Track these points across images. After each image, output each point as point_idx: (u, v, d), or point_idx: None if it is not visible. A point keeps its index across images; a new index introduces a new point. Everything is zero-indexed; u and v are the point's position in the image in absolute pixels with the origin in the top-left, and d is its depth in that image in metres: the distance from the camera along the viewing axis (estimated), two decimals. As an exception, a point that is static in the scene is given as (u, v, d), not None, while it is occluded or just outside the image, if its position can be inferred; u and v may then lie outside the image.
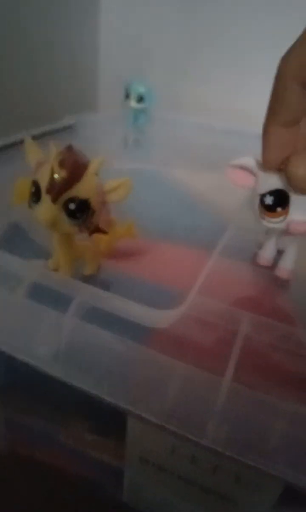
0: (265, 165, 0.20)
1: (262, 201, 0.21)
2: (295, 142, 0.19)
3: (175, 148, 0.46)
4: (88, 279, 0.24)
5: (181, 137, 0.49)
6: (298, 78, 0.17)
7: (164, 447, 0.26)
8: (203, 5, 0.55)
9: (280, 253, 0.24)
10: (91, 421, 0.31)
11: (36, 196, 0.19)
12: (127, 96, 0.53)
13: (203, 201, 0.35)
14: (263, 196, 0.21)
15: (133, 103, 0.53)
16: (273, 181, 0.20)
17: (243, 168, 0.21)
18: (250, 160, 0.21)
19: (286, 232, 0.21)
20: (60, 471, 0.31)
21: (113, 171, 0.23)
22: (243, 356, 0.19)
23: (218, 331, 0.20)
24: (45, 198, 0.19)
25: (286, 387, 0.18)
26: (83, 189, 0.19)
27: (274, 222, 0.21)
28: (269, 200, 0.21)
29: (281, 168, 0.20)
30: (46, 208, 0.19)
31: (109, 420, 0.30)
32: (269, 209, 0.21)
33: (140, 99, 0.53)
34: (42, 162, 0.20)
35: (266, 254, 0.24)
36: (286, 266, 0.23)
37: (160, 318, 0.21)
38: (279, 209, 0.21)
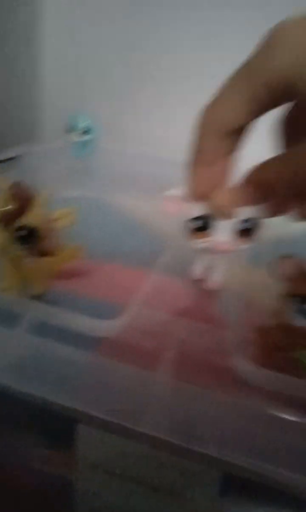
0: (191, 196, 0.24)
1: (191, 225, 0.25)
2: (215, 177, 0.23)
3: (118, 177, 0.50)
4: (37, 299, 0.26)
5: (123, 166, 0.53)
6: (215, 129, 0.21)
7: (113, 450, 0.28)
8: (144, 40, 0.60)
9: (210, 268, 0.28)
10: (40, 435, 0.32)
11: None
12: (70, 129, 0.57)
13: (144, 225, 0.39)
14: (192, 221, 0.25)
15: (77, 136, 0.57)
16: (200, 208, 0.24)
17: (175, 197, 0.25)
18: (181, 190, 0.25)
19: (212, 251, 0.25)
20: (10, 487, 0.31)
21: (61, 199, 0.26)
22: (178, 355, 0.22)
23: (156, 336, 0.23)
24: (-3, 227, 0.21)
25: (215, 379, 0.21)
26: (31, 218, 0.22)
27: (202, 243, 0.25)
28: (197, 224, 0.24)
29: (206, 198, 0.23)
30: (-2, 235, 0.21)
31: (58, 432, 0.31)
32: (198, 231, 0.25)
33: (84, 131, 0.57)
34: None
35: (198, 269, 0.28)
36: (214, 278, 0.27)
37: (104, 328, 0.24)
38: (205, 232, 0.24)
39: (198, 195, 0.23)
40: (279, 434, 0.19)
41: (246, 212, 0.23)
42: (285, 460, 0.19)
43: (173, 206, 0.25)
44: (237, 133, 0.21)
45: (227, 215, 0.23)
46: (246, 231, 0.24)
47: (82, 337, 0.24)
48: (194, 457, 0.23)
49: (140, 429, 0.21)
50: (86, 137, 0.57)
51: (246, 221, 0.23)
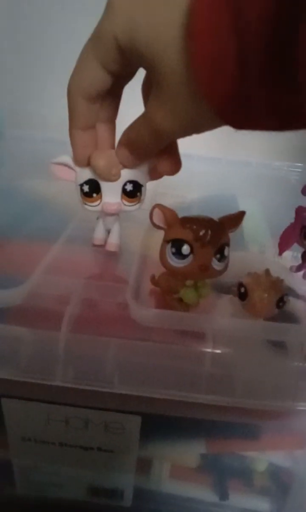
0: (75, 162, 0.25)
1: (81, 190, 0.26)
2: (95, 142, 0.25)
3: (25, 162, 0.50)
4: None
5: (30, 151, 0.53)
6: (81, 93, 0.22)
7: (40, 419, 0.29)
8: (33, 27, 0.59)
9: (108, 232, 0.29)
10: None
11: None
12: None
13: (52, 204, 0.40)
14: (81, 186, 0.26)
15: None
16: (86, 173, 0.25)
17: (63, 164, 0.26)
18: (67, 158, 0.26)
19: (103, 213, 0.27)
20: None
21: None
22: (79, 312, 0.23)
23: (60, 298, 0.25)
24: None
25: (112, 327, 0.23)
26: None
27: (93, 206, 0.26)
28: (86, 188, 0.26)
29: (86, 161, 0.25)
30: None
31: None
32: (87, 195, 0.26)
33: (-13, 119, 0.55)
34: None
35: (98, 235, 0.29)
36: (112, 241, 0.29)
37: (7, 297, 0.24)
38: (94, 195, 0.26)
39: (81, 159, 0.25)
40: (169, 362, 0.21)
41: (130, 174, 0.25)
42: (178, 383, 0.21)
43: (63, 173, 0.26)
44: (102, 98, 0.22)
45: (109, 177, 0.24)
46: (131, 192, 0.26)
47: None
48: (107, 401, 0.25)
49: (54, 383, 0.23)
50: (-9, 125, 0.56)
51: (130, 182, 0.25)
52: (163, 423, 0.29)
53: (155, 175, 0.26)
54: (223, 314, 0.25)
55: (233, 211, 0.24)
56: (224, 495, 0.32)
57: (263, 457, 0.31)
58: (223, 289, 0.26)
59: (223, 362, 0.21)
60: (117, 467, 0.31)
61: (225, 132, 0.28)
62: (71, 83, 0.22)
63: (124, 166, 0.24)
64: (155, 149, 0.22)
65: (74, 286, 0.25)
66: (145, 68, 0.20)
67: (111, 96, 0.23)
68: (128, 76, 0.22)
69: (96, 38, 0.20)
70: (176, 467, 0.32)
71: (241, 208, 0.24)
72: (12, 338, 0.23)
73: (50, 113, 0.62)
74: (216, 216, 0.23)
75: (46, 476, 0.33)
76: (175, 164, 0.24)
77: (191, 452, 0.30)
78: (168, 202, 0.27)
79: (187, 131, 0.20)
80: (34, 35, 0.59)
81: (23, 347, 0.23)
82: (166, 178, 0.27)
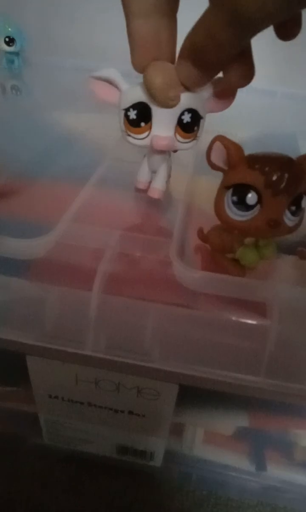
0: (135, 67, 0.19)
1: (126, 116, 0.21)
2: (158, 38, 0.19)
3: (53, 91, 0.44)
4: None
5: (58, 79, 0.46)
6: None
7: (68, 378, 0.27)
8: None
9: (154, 174, 0.24)
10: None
11: None
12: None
13: (82, 139, 0.35)
14: (127, 111, 0.20)
15: (4, 46, 0.49)
16: (136, 94, 0.20)
17: (107, 81, 0.21)
18: (113, 72, 0.20)
19: (151, 149, 0.21)
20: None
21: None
22: (114, 269, 0.20)
23: (90, 251, 0.21)
24: None
25: (152, 290, 0.19)
26: None
27: (139, 139, 0.21)
28: (132, 114, 0.20)
29: (144, 64, 0.19)
30: None
31: (12, 370, 0.30)
32: (133, 124, 0.20)
33: (11, 41, 0.49)
34: None
35: (142, 178, 0.24)
36: (156, 186, 0.24)
37: (31, 248, 0.21)
38: (142, 124, 0.20)
39: (138, 61, 0.19)
40: (221, 336, 0.17)
41: (190, 101, 0.20)
42: (230, 362, 0.18)
43: (105, 93, 0.21)
44: None
45: (165, 101, 0.19)
46: (188, 125, 0.20)
47: (10, 261, 0.21)
48: (143, 372, 0.22)
49: (84, 352, 0.20)
50: (14, 48, 0.49)
51: (188, 111, 0.20)
52: (203, 393, 0.26)
53: (216, 104, 0.20)
54: (284, 279, 0.21)
55: (292, 152, 0.18)
56: (261, 465, 0.29)
57: (309, 432, 0.28)
58: (284, 248, 0.22)
59: (289, 340, 0.17)
60: (148, 430, 0.29)
61: (279, 60, 0.22)
62: None
63: (187, 87, 0.19)
64: (231, 53, 0.17)
65: (108, 237, 0.21)
66: None
67: None
68: None
69: None
70: (210, 433, 0.30)
71: (302, 149, 0.18)
72: (35, 296, 0.20)
73: (83, 38, 0.55)
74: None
75: (74, 432, 0.32)
76: (248, 71, 0.18)
77: (230, 424, 0.27)
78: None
79: (282, 11, 0.14)
80: None
81: (48, 308, 0.20)
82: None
